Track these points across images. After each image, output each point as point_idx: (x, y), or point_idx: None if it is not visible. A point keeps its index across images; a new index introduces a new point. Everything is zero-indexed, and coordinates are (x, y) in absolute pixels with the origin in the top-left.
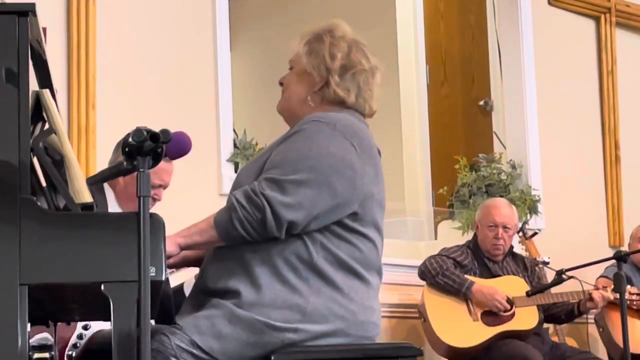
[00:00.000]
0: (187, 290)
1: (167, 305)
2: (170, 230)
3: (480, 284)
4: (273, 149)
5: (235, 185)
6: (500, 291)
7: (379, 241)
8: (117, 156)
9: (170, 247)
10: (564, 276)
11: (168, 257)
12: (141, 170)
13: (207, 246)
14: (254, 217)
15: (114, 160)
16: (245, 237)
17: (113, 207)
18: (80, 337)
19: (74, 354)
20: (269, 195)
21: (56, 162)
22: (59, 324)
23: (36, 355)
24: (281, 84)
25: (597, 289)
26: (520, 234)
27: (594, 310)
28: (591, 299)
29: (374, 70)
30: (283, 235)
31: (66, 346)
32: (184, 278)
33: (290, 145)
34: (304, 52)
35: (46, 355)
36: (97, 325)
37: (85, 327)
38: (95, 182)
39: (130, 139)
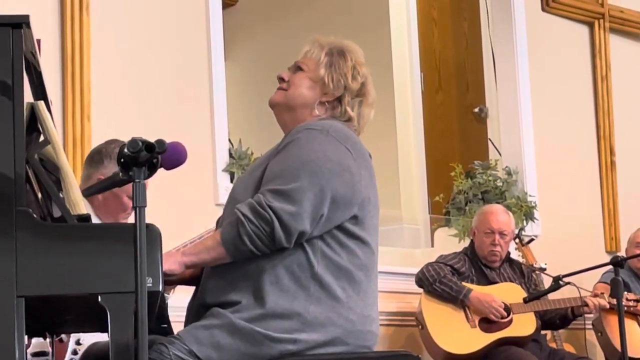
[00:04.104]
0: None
1: (162, 312)
2: (166, 240)
3: (477, 291)
4: (268, 161)
5: (231, 199)
6: (497, 298)
7: (376, 245)
8: (93, 171)
9: (173, 265)
10: (561, 282)
11: (171, 276)
12: (137, 180)
13: (215, 264)
14: (262, 231)
15: (88, 175)
16: (254, 251)
17: (92, 219)
18: (74, 352)
19: None
20: (276, 207)
21: (52, 174)
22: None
23: None
24: (282, 79)
25: (596, 295)
26: (517, 240)
27: (588, 315)
28: (586, 304)
29: (373, 107)
30: (292, 245)
31: None
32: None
33: (287, 154)
34: (324, 61)
35: None
36: (89, 339)
37: (78, 342)
38: (92, 194)
39: (125, 150)
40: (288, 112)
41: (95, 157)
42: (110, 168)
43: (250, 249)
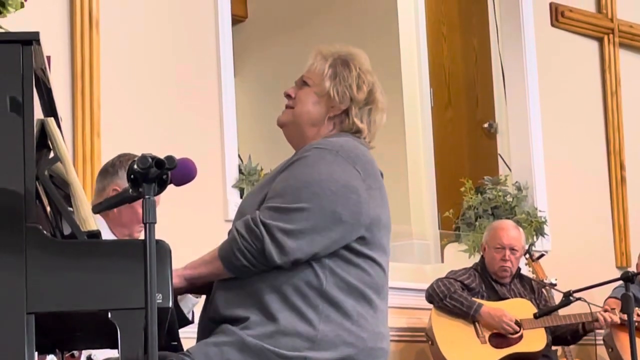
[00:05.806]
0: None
1: (172, 328)
2: (176, 256)
3: (488, 306)
4: (275, 178)
5: (239, 215)
6: (508, 313)
7: (387, 265)
8: (108, 182)
9: (175, 279)
10: (571, 298)
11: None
12: (147, 197)
13: (214, 278)
14: (253, 247)
15: (102, 188)
16: (249, 267)
17: (106, 234)
18: None
19: None
20: (269, 224)
21: (62, 190)
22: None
23: None
24: (289, 95)
25: (606, 310)
26: (527, 255)
27: (599, 330)
28: (597, 319)
29: (385, 111)
30: (287, 263)
31: None
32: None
33: (292, 173)
34: (328, 73)
35: None
36: (101, 355)
37: (90, 358)
38: (102, 210)
39: (135, 166)
40: (296, 130)
41: (110, 169)
42: (125, 179)
43: (243, 264)
